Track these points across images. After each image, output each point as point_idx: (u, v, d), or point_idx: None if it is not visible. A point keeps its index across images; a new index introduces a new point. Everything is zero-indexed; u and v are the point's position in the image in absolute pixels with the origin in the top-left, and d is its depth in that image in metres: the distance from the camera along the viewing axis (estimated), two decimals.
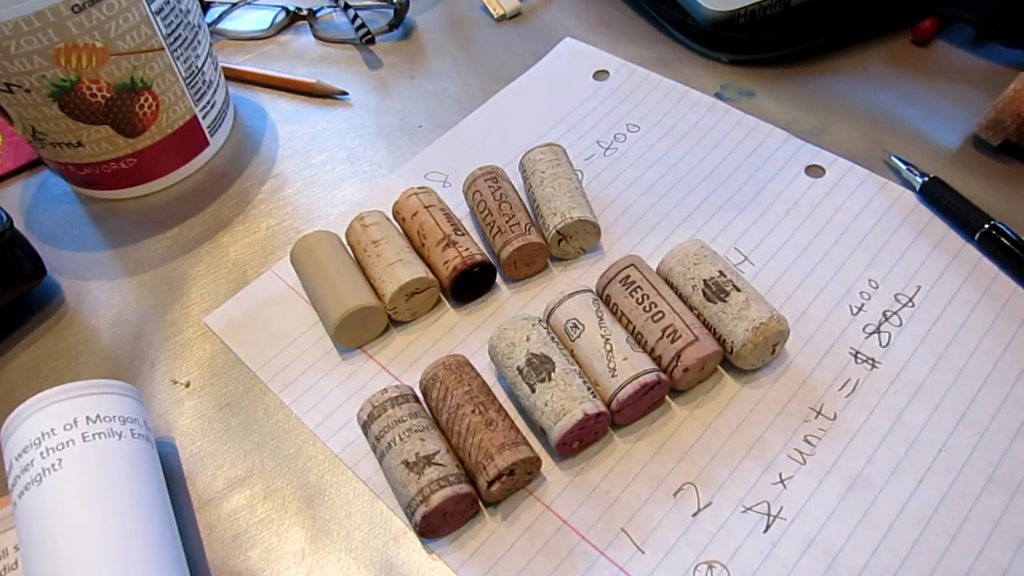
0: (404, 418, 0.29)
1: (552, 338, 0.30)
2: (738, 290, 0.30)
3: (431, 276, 0.34)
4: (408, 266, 0.34)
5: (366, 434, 0.30)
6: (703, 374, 0.31)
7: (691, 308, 0.31)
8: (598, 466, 0.30)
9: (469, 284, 0.34)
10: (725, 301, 0.30)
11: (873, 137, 0.40)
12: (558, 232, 0.34)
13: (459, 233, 0.35)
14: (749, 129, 0.41)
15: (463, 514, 0.29)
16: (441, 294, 0.36)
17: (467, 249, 0.34)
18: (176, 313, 0.37)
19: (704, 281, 0.31)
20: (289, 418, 0.33)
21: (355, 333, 0.34)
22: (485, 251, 0.35)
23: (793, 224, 0.36)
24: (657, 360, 0.30)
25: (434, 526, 0.28)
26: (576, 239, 0.35)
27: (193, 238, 0.41)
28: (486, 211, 0.36)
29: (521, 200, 0.36)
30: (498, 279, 0.36)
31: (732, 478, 0.29)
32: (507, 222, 0.35)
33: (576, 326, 0.31)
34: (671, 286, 0.32)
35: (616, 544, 0.28)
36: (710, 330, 0.31)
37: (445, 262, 0.34)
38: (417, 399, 0.30)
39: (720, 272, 0.31)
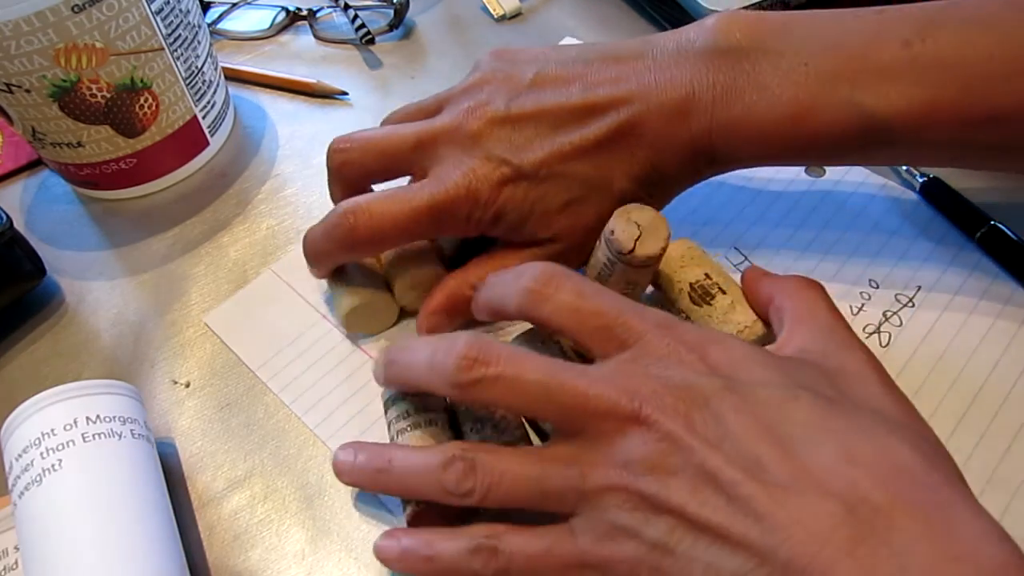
0: (422, 409, 0.29)
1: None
2: (723, 292, 0.30)
3: (440, 269, 0.34)
4: (417, 260, 0.34)
5: (385, 412, 0.30)
6: None
7: (680, 311, 0.31)
8: None
9: None
10: (711, 304, 0.30)
11: None
12: None
13: None
14: None
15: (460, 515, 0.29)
16: None
17: None
18: (176, 313, 0.37)
19: (690, 284, 0.30)
20: (289, 418, 0.33)
21: (365, 321, 0.34)
22: None
23: (793, 224, 0.36)
24: None
25: (425, 523, 0.28)
26: None
27: (193, 238, 0.41)
28: None
29: None
30: None
31: None
32: None
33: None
34: (659, 289, 0.32)
35: None
36: None
37: None
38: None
39: (706, 275, 0.31)
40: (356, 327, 0.34)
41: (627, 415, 0.23)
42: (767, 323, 0.29)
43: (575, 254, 0.32)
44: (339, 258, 0.33)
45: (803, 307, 0.28)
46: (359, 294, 0.33)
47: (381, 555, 0.26)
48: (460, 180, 0.30)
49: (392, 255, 0.34)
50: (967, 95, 0.28)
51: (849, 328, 0.27)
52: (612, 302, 0.26)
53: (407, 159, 0.32)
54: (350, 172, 0.33)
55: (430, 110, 0.34)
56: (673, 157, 0.31)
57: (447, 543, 0.25)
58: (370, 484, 0.28)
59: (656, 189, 0.32)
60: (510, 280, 0.27)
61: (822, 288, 0.29)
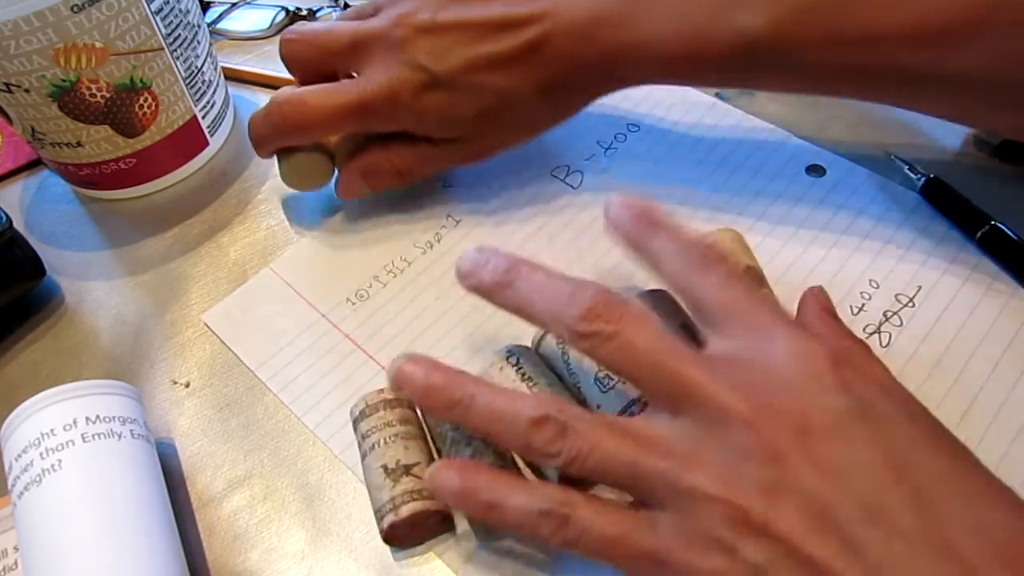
0: (393, 422, 0.29)
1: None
2: (768, 288, 0.31)
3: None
4: (355, 139, 0.38)
5: (355, 430, 0.30)
6: None
7: None
8: None
9: None
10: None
11: (873, 137, 0.40)
12: None
13: None
14: (749, 129, 0.41)
15: (431, 529, 0.28)
16: None
17: None
18: (176, 313, 0.37)
19: (746, 267, 0.31)
20: (289, 418, 0.33)
21: (303, 177, 0.38)
22: None
23: (794, 224, 0.36)
24: None
25: (400, 536, 0.28)
26: None
27: (193, 238, 0.41)
28: None
29: None
30: None
31: None
32: None
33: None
34: None
35: None
36: None
37: None
38: (412, 406, 0.30)
39: (747, 267, 0.32)
40: (294, 181, 0.38)
41: (739, 419, 0.22)
42: None
43: (484, 150, 0.37)
44: (276, 142, 0.37)
45: None
46: (299, 150, 0.37)
47: (437, 482, 0.25)
48: (385, 82, 0.34)
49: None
50: (839, 14, 0.29)
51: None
52: (746, 285, 0.26)
53: (344, 56, 0.36)
54: (295, 63, 0.37)
55: (367, 14, 0.37)
56: (578, 72, 0.33)
57: (518, 496, 0.24)
58: (440, 410, 0.26)
59: (561, 102, 0.35)
60: (679, 239, 0.27)
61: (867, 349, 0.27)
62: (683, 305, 0.28)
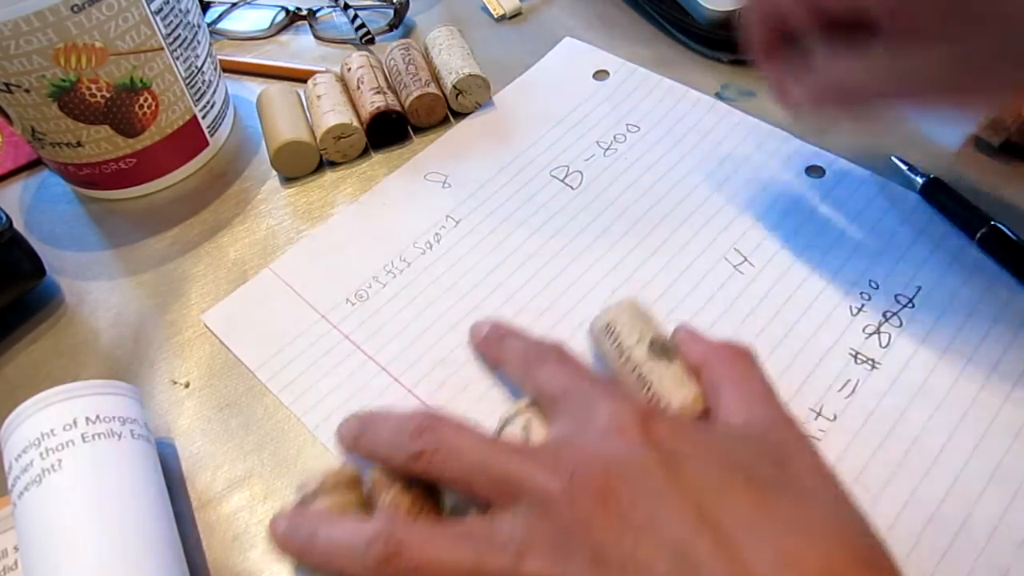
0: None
1: None
2: (678, 359, 0.29)
3: (355, 123, 0.41)
4: (338, 114, 0.41)
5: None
6: None
7: (629, 359, 0.29)
8: None
9: (385, 128, 0.42)
10: (671, 362, 0.29)
11: (873, 137, 0.40)
12: (454, 87, 0.42)
13: (388, 88, 0.43)
14: (749, 129, 0.41)
15: None
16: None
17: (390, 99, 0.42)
18: (176, 313, 0.37)
19: (654, 335, 0.30)
20: (289, 418, 0.33)
21: (291, 163, 0.42)
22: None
23: (793, 224, 0.36)
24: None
25: None
26: (471, 93, 0.43)
27: (193, 238, 0.41)
28: (396, 71, 0.43)
29: (429, 63, 0.44)
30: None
31: None
32: (412, 79, 0.42)
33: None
34: (608, 333, 0.30)
35: None
36: (645, 386, 0.28)
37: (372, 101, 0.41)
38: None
39: (665, 336, 0.30)
40: (285, 168, 0.42)
41: (556, 497, 0.23)
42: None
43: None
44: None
45: (739, 376, 0.28)
46: (291, 133, 0.41)
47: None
48: None
49: (321, 119, 0.41)
50: None
51: (780, 400, 0.27)
52: (571, 369, 0.28)
53: None
54: None
55: None
56: None
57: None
58: (296, 555, 0.26)
59: None
60: (521, 340, 0.31)
61: (753, 355, 0.29)
62: (527, 399, 0.29)
